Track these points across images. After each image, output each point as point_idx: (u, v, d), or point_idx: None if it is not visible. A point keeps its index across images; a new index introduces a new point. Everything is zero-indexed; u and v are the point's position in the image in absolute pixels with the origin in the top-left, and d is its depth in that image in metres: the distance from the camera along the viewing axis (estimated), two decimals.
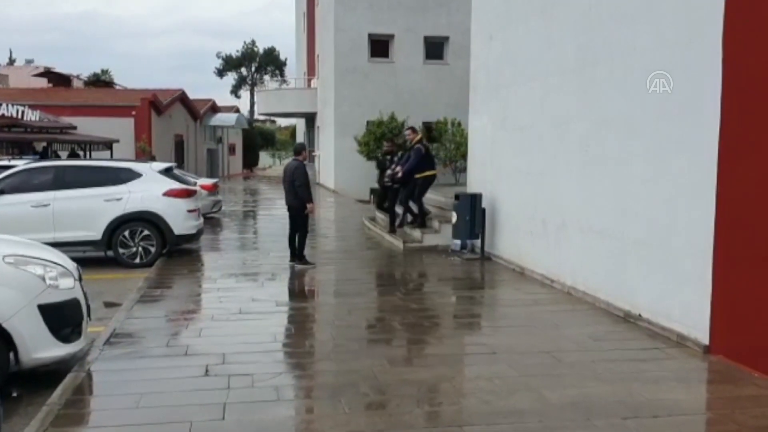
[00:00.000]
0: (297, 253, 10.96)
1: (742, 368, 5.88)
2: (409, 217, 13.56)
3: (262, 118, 64.64)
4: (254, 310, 8.29)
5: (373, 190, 21.27)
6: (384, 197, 14.51)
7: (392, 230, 13.70)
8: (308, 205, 10.82)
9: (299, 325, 7.71)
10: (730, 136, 6.17)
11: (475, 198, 11.61)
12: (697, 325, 6.49)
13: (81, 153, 26.97)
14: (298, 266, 10.76)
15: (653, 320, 7.17)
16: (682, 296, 6.77)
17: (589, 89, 8.61)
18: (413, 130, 13.78)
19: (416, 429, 4.66)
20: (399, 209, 13.73)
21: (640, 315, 7.40)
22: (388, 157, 14.57)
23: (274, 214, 20.13)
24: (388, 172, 13.63)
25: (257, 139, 54.79)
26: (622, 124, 7.84)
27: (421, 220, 13.29)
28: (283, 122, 74.45)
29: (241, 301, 8.59)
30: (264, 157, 53.64)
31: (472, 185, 12.69)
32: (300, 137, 45.45)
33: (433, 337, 7.25)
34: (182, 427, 4.61)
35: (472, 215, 11.46)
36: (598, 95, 8.39)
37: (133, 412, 4.90)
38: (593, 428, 4.60)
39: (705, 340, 6.39)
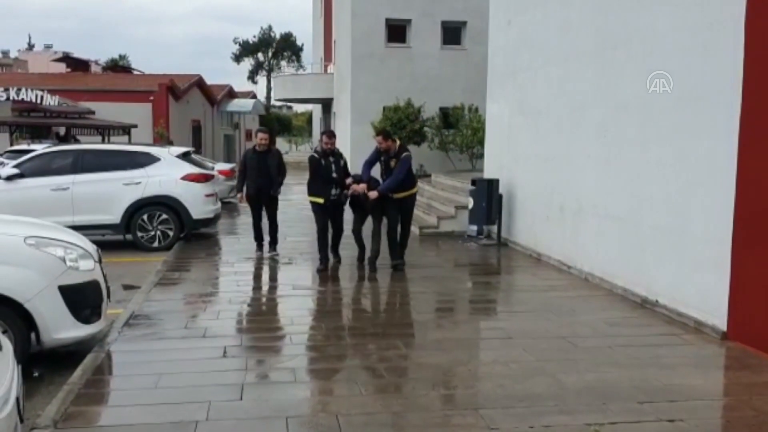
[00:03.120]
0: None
1: (760, 354, 5.85)
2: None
3: (278, 104, 64.73)
4: (272, 294, 8.34)
5: None
6: (363, 217, 9.74)
7: (373, 268, 9.47)
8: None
9: (316, 309, 7.75)
10: (751, 121, 6.10)
11: (492, 184, 11.58)
12: (715, 311, 6.46)
13: (79, 139, 26.73)
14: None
15: (670, 306, 7.14)
16: (699, 282, 6.73)
17: (606, 73, 8.54)
18: (386, 136, 9.25)
19: (432, 411, 4.68)
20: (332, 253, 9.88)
21: (657, 301, 7.37)
22: (382, 158, 9.43)
23: (291, 199, 20.17)
24: (350, 181, 9.39)
25: (274, 125, 54.92)
26: (640, 109, 7.77)
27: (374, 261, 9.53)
28: (299, 108, 74.50)
29: (258, 285, 8.65)
30: (280, 143, 53.77)
31: (489, 171, 12.65)
32: (316, 123, 45.48)
33: (449, 321, 7.27)
34: (201, 407, 4.66)
35: (489, 201, 11.44)
36: (616, 79, 8.32)
37: (152, 392, 4.97)
38: (609, 412, 4.60)
39: (722, 326, 6.36)
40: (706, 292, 6.62)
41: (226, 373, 5.41)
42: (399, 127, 23.86)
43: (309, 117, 62.55)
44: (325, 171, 9.22)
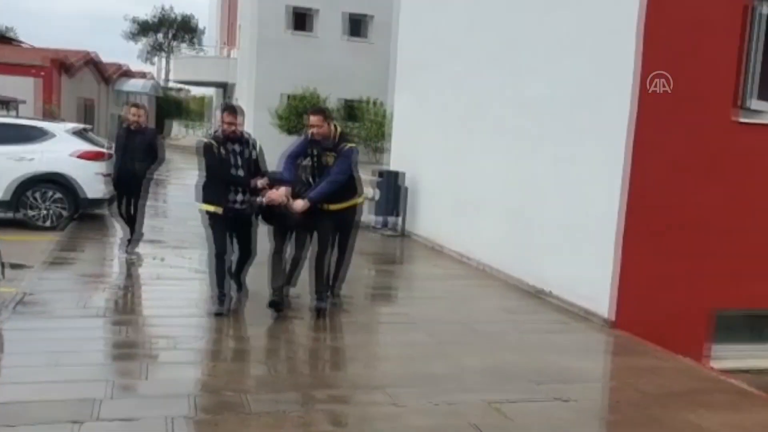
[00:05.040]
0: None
1: (643, 342, 6.30)
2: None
3: (175, 86, 62.80)
4: (171, 276, 8.19)
5: None
6: (284, 235, 6.66)
7: (278, 301, 6.42)
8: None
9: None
10: (641, 125, 6.55)
11: (397, 176, 11.80)
12: (603, 302, 6.88)
13: None
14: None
15: (561, 296, 7.53)
16: (589, 275, 7.15)
17: (509, 73, 8.88)
18: (324, 115, 6.38)
19: (341, 389, 4.79)
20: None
21: (549, 291, 7.77)
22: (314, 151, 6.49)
23: (188, 183, 19.80)
24: (262, 183, 6.40)
25: (170, 107, 53.30)
26: (539, 108, 8.14)
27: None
28: (196, 92, 72.44)
29: (157, 266, 8.48)
30: (176, 127, 52.24)
31: (395, 163, 12.86)
32: (215, 107, 44.52)
33: (353, 307, 7.35)
34: (104, 385, 4.56)
35: (394, 193, 11.66)
36: (517, 79, 8.67)
37: (53, 370, 4.81)
38: (508, 392, 4.85)
39: (609, 315, 6.79)
40: (595, 284, 7.04)
41: (128, 351, 5.32)
42: (303, 116, 23.79)
43: (207, 101, 61.01)
44: (224, 166, 6.27)
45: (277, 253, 6.53)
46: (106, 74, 36.86)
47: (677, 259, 6.81)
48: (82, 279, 7.74)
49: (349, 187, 6.49)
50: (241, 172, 6.35)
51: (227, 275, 6.54)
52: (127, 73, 41.84)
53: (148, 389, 4.59)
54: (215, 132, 6.61)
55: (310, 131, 6.33)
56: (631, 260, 6.68)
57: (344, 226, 6.70)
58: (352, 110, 25.04)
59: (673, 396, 4.99)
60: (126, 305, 6.66)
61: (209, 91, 50.05)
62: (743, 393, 5.18)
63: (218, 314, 6.29)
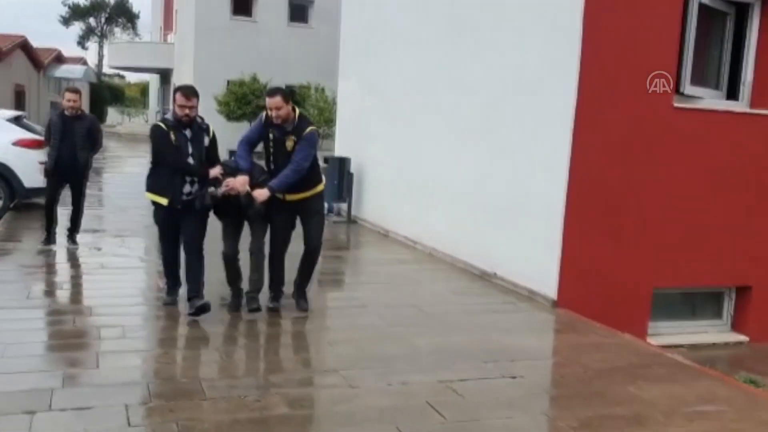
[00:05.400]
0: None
1: (585, 320, 6.53)
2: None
3: (110, 72, 61.14)
4: (116, 265, 8.06)
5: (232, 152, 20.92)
6: (237, 233, 6.21)
7: (253, 305, 6.13)
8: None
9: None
10: (583, 113, 6.75)
11: (344, 162, 11.82)
12: (547, 282, 7.08)
13: None
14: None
15: (507, 278, 7.73)
16: (534, 256, 7.35)
17: (456, 60, 9.00)
18: (284, 96, 5.82)
19: (295, 372, 4.84)
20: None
21: (495, 273, 7.95)
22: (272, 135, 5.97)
23: (127, 171, 19.53)
24: (216, 171, 5.86)
25: (106, 94, 51.90)
26: (487, 95, 8.29)
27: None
28: (133, 78, 70.64)
29: (101, 256, 8.34)
30: (113, 114, 50.90)
31: (341, 149, 12.88)
32: (153, 94, 43.60)
33: None
34: (55, 375, 4.50)
35: (340, 179, 11.68)
36: (465, 65, 8.80)
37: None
38: (459, 371, 4.97)
39: (553, 295, 7.00)
40: (539, 265, 7.24)
41: (78, 341, 5.25)
42: (244, 102, 23.56)
43: (144, 87, 59.56)
44: (175, 152, 5.74)
45: (229, 257, 6.05)
46: (38, 60, 35.63)
47: (618, 240, 7.08)
48: (23, 269, 7.54)
49: (311, 174, 6.02)
50: (190, 161, 5.79)
51: (179, 265, 6.18)
52: (61, 59, 40.50)
53: (100, 378, 4.54)
54: (164, 115, 5.91)
55: (270, 114, 5.79)
56: (573, 242, 6.90)
57: (307, 218, 6.15)
58: (294, 96, 24.85)
59: (616, 370, 5.21)
60: (71, 295, 6.55)
61: (147, 77, 48.97)
62: (681, 366, 5.44)
63: (168, 303, 6.16)
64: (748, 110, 7.53)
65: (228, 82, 24.68)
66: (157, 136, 5.78)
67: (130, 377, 4.61)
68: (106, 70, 56.83)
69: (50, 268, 7.68)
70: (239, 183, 5.68)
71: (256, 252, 6.12)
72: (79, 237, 8.70)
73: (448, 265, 8.73)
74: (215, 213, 6.04)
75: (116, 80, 70.42)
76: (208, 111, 24.26)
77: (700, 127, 7.19)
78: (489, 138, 8.23)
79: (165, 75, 35.58)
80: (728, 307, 7.93)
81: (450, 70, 9.14)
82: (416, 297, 7.09)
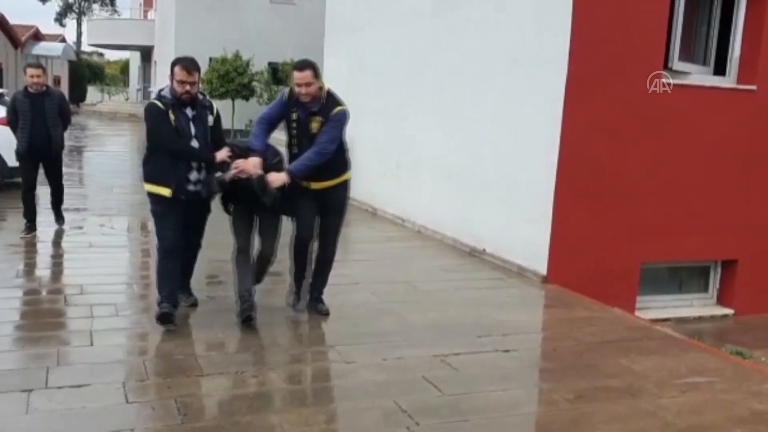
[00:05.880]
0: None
1: (575, 294, 6.59)
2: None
3: (89, 50, 60.23)
4: (105, 244, 8.01)
5: None
6: (249, 225, 5.47)
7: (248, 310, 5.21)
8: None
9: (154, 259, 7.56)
10: (574, 88, 6.76)
11: None
12: (537, 258, 7.14)
13: None
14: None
15: (496, 254, 7.77)
16: (524, 232, 7.39)
17: (444, 35, 8.96)
18: (314, 70, 5.17)
19: (291, 349, 4.87)
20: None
21: (484, 250, 7.99)
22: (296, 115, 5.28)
23: (109, 150, 19.37)
24: (224, 154, 5.05)
25: (85, 72, 51.15)
26: (476, 71, 8.27)
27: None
28: (112, 56, 69.86)
29: (89, 235, 8.27)
30: (92, 92, 50.26)
31: None
32: (134, 72, 43.05)
33: None
34: (50, 353, 4.49)
35: None
36: (453, 41, 8.76)
37: None
38: (452, 345, 5.01)
39: (543, 270, 7.06)
40: (529, 241, 7.29)
41: (71, 320, 5.24)
42: (227, 80, 23.33)
43: (123, 65, 58.82)
44: (176, 134, 4.92)
45: (243, 252, 5.30)
46: (15, 37, 35.00)
47: (607, 216, 7.13)
48: (11, 248, 7.47)
49: (339, 159, 5.31)
50: (195, 143, 4.97)
51: (177, 276, 5.23)
52: (38, 36, 39.81)
53: (96, 356, 4.52)
54: (160, 91, 5.03)
55: (297, 91, 5.05)
56: (562, 219, 6.94)
57: (330, 210, 5.44)
58: (276, 73, 24.69)
59: (607, 343, 5.28)
60: (61, 274, 6.50)
61: (127, 55, 48.34)
62: (670, 339, 5.53)
63: (162, 318, 4.99)
64: (735, 86, 7.57)
65: (210, 59, 24.40)
66: (153, 116, 4.90)
67: (125, 355, 4.62)
68: (85, 47, 55.88)
69: (38, 248, 7.61)
70: (251, 165, 4.92)
71: (264, 255, 5.47)
72: (65, 216, 8.61)
73: (437, 242, 8.76)
74: (222, 202, 5.35)
75: (95, 58, 69.51)
76: None
77: (689, 102, 7.23)
78: (478, 114, 8.22)
79: (146, 52, 35.15)
80: (714, 281, 8.04)
81: (438, 46, 9.10)
82: (407, 274, 7.12)
